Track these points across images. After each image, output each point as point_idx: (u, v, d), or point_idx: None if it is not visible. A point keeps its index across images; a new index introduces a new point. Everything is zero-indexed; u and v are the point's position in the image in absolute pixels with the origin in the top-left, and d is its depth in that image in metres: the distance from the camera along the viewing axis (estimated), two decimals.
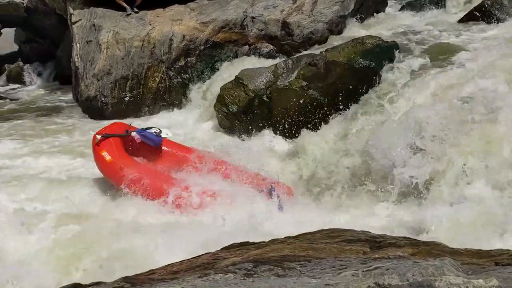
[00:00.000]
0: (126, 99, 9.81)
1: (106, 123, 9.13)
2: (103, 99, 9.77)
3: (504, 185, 5.25)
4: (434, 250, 3.06)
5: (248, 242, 3.76)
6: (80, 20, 10.79)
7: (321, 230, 3.75)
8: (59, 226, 5.37)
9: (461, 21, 10.52)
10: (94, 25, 10.48)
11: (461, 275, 1.57)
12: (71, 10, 11.12)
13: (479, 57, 7.49)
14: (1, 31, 13.85)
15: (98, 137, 6.59)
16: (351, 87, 7.44)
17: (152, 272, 3.23)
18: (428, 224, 4.88)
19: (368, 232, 3.64)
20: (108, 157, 6.34)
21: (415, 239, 3.43)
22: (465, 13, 10.74)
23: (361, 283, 1.84)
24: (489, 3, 10.29)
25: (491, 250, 3.31)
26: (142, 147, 6.67)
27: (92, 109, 9.89)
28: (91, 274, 4.36)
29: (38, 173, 7.25)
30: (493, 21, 9.99)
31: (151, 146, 6.66)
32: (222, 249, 3.77)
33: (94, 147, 6.59)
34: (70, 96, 11.32)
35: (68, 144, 8.50)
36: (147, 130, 6.68)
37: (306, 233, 3.74)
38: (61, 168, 7.41)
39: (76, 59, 10.42)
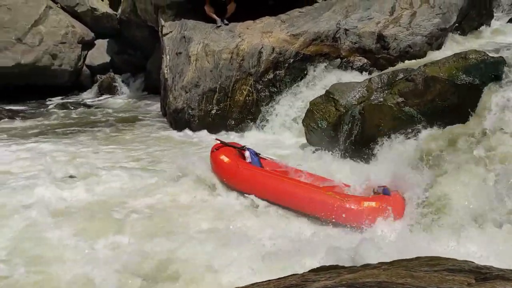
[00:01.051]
0: (213, 112, 10.04)
1: (191, 134, 9.63)
2: (190, 111, 10.05)
3: None
4: None
5: (337, 265, 3.80)
6: (171, 32, 11.20)
7: (419, 258, 3.72)
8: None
9: None
10: (184, 37, 10.83)
11: None
12: (163, 22, 11.58)
13: None
14: (95, 42, 14.72)
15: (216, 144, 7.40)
16: (452, 105, 7.34)
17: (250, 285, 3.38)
18: None
19: (471, 262, 3.58)
20: (226, 159, 7.00)
21: None
22: None
23: None
24: None
25: None
26: None
27: (179, 121, 10.20)
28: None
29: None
30: None
31: None
32: (310, 271, 3.84)
33: (212, 152, 7.28)
34: (158, 107, 11.79)
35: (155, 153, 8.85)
36: (263, 155, 7.37)
37: (402, 260, 3.72)
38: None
39: (165, 71, 10.80)
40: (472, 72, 7.56)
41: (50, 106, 13.22)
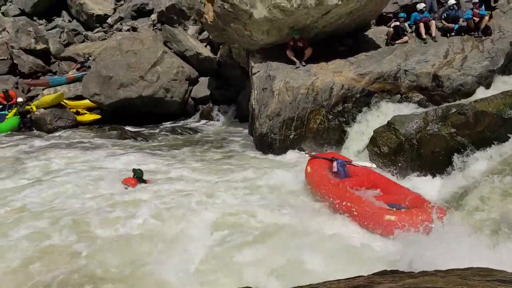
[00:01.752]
0: (291, 136, 10.03)
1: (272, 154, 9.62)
2: (272, 135, 10.08)
3: None
4: None
5: (398, 270, 3.60)
6: (259, 71, 11.31)
7: (471, 268, 3.47)
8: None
9: None
10: (269, 75, 10.91)
11: None
12: (252, 64, 11.73)
13: None
14: (198, 79, 15.17)
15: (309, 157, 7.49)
16: (500, 136, 6.95)
17: (313, 286, 3.25)
18: None
19: None
20: (312, 171, 7.02)
21: None
22: None
23: None
24: None
25: None
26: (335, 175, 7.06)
27: (263, 143, 10.25)
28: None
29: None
30: None
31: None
32: (374, 274, 3.66)
33: (307, 164, 7.28)
34: (246, 132, 11.89)
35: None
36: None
37: (455, 269, 3.48)
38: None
39: (253, 103, 10.89)
40: None
41: (163, 129, 13.67)
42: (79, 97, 15.82)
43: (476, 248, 4.81)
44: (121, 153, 10.35)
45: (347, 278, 3.45)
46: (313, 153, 7.67)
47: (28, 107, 14.55)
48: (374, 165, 7.18)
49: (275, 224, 5.87)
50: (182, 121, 14.65)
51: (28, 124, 14.38)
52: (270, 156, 9.92)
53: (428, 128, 7.62)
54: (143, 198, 6.93)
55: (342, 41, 11.85)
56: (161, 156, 10.08)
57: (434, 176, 7.27)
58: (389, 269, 3.87)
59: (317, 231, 5.62)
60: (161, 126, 14.08)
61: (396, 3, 14.13)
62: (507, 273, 3.35)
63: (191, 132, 12.96)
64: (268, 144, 10.15)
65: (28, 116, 14.43)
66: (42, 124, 14.11)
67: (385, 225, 5.40)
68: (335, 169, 6.99)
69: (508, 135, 6.91)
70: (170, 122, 14.43)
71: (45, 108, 14.73)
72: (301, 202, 6.79)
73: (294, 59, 11.06)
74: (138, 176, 7.72)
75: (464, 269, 3.47)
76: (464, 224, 5.60)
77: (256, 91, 11.04)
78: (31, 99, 16.28)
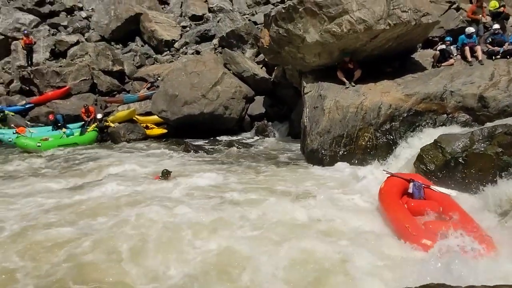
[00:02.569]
0: (340, 153, 9.82)
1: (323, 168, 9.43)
2: (323, 151, 9.93)
3: None
4: None
5: (445, 284, 3.43)
6: (311, 91, 11.26)
7: (508, 286, 3.31)
8: None
9: None
10: (320, 95, 10.83)
11: None
12: (305, 84, 11.70)
13: None
14: (254, 98, 15.24)
15: (388, 175, 6.99)
16: None
17: None
18: None
19: None
20: (384, 189, 6.60)
21: None
22: None
23: None
24: None
25: None
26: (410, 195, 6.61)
27: (314, 158, 10.08)
28: None
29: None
30: None
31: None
32: (420, 286, 3.49)
33: (384, 182, 6.88)
34: (298, 147, 11.70)
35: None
36: (434, 187, 6.60)
37: (503, 285, 3.30)
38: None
39: (305, 120, 10.81)
40: None
41: (221, 143, 13.81)
42: (149, 113, 16.30)
43: None
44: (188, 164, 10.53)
45: None
46: (391, 172, 7.21)
47: (107, 123, 15.10)
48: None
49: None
50: (239, 136, 14.75)
51: (105, 137, 14.91)
52: (320, 169, 9.66)
53: (474, 147, 7.28)
54: None
55: (390, 63, 11.64)
56: (218, 167, 10.12)
57: (481, 191, 6.86)
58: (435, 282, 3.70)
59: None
60: (220, 140, 14.22)
61: (442, 27, 13.79)
62: None
63: (247, 147, 12.99)
64: (318, 159, 9.99)
65: (105, 130, 14.97)
66: (116, 136, 14.62)
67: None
68: (410, 190, 6.54)
69: None
70: (228, 136, 14.56)
71: (119, 123, 15.33)
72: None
73: (344, 79, 10.99)
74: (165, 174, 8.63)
75: (509, 285, 3.27)
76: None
77: (307, 109, 10.97)
78: (107, 114, 16.91)
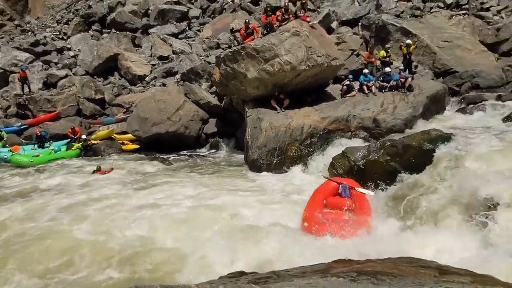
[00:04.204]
0: (274, 162, 9.84)
1: (261, 174, 9.40)
2: (261, 161, 9.89)
3: None
4: (489, 281, 2.59)
5: (350, 259, 3.47)
6: (251, 115, 11.23)
7: (401, 257, 3.37)
8: None
9: (504, 121, 9.37)
10: (258, 117, 10.82)
11: None
12: (247, 109, 11.65)
13: None
14: (209, 120, 14.89)
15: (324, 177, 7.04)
16: (421, 162, 6.89)
17: (287, 270, 3.10)
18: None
19: (435, 262, 3.19)
20: (316, 190, 6.65)
21: (473, 271, 2.92)
22: (505, 116, 9.57)
23: None
24: None
25: None
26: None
27: (254, 166, 10.03)
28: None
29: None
30: None
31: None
32: (333, 261, 3.52)
33: (321, 184, 6.84)
34: (242, 158, 11.59)
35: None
36: (357, 189, 6.53)
37: (390, 258, 3.37)
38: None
39: (247, 137, 10.75)
40: (433, 142, 7.19)
41: (182, 155, 13.47)
42: (124, 132, 15.61)
43: (403, 242, 4.72)
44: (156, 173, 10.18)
45: (313, 265, 3.31)
46: (328, 177, 7.13)
47: (90, 142, 14.37)
48: (372, 193, 6.46)
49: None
50: (197, 150, 14.39)
51: (89, 153, 14.15)
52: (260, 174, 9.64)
53: (370, 156, 7.56)
54: None
55: (310, 94, 11.88)
56: (180, 174, 9.87)
57: (376, 190, 7.08)
58: (344, 258, 3.74)
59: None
60: (182, 153, 13.86)
61: (347, 68, 14.30)
62: (426, 261, 3.24)
63: (203, 157, 12.74)
64: (257, 167, 9.96)
65: (89, 147, 14.23)
66: (98, 151, 13.96)
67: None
68: (339, 191, 6.60)
69: (426, 162, 6.85)
70: (188, 150, 14.19)
71: (100, 140, 14.63)
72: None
73: (276, 106, 11.06)
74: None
75: (395, 258, 3.35)
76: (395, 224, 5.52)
77: (249, 129, 10.95)
78: (90, 133, 16.06)
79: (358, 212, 5.87)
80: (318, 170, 9.08)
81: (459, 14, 20.65)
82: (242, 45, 11.35)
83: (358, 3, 21.50)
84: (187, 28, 23.71)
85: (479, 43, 16.70)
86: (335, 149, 9.20)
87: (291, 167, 9.69)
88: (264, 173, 9.61)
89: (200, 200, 6.86)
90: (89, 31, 24.21)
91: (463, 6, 22.92)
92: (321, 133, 10.04)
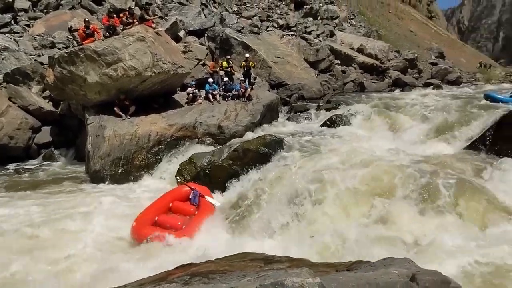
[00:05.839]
0: (119, 171, 9.24)
1: (103, 186, 8.72)
2: (104, 171, 9.16)
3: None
4: (302, 263, 3.06)
5: (192, 263, 3.57)
6: (93, 122, 10.31)
7: (237, 254, 3.65)
8: None
9: (321, 126, 11.15)
10: (101, 125, 10.02)
11: (305, 277, 1.60)
12: (87, 116, 10.66)
13: (330, 145, 7.95)
14: (41, 128, 12.99)
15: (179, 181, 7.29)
16: (258, 164, 7.59)
17: (126, 285, 3.00)
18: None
19: (265, 254, 3.58)
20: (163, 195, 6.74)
21: (292, 257, 3.39)
22: (322, 122, 11.41)
23: (252, 285, 1.82)
24: (334, 117, 11.04)
25: (335, 262, 3.34)
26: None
27: (97, 178, 9.21)
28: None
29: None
30: (335, 125, 10.69)
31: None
32: (175, 268, 3.55)
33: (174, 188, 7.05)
34: (83, 169, 10.41)
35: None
36: (207, 198, 6.72)
37: (227, 256, 3.62)
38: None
39: (88, 146, 9.82)
40: (268, 146, 7.97)
41: (7, 169, 11.34)
42: None
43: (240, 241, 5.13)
44: None
45: (154, 275, 3.28)
46: (184, 182, 7.12)
47: None
48: (219, 204, 6.70)
49: None
50: (26, 163, 12.26)
51: None
52: (103, 186, 8.89)
53: (215, 161, 7.92)
54: None
55: (156, 100, 11.67)
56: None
57: (221, 192, 7.50)
58: (186, 263, 3.81)
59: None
60: (6, 167, 11.63)
61: (193, 76, 14.64)
62: (256, 253, 3.61)
63: (33, 171, 10.96)
64: (100, 178, 9.15)
65: None
66: None
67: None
68: (190, 196, 6.65)
69: (263, 163, 7.60)
70: (16, 164, 11.99)
71: None
72: None
73: (121, 113, 10.43)
74: None
75: (232, 255, 3.62)
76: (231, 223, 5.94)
77: (91, 137, 9.99)
78: None
79: (196, 218, 6.09)
80: (167, 177, 9.02)
81: (289, 35, 23.77)
82: (80, 46, 10.35)
83: (204, 15, 22.36)
84: (12, 22, 20.16)
85: (304, 60, 19.53)
86: (183, 156, 9.27)
87: (138, 176, 9.29)
88: (109, 184, 8.91)
89: (18, 222, 5.91)
90: None
91: (292, 28, 26.54)
92: (169, 140, 9.95)
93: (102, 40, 10.71)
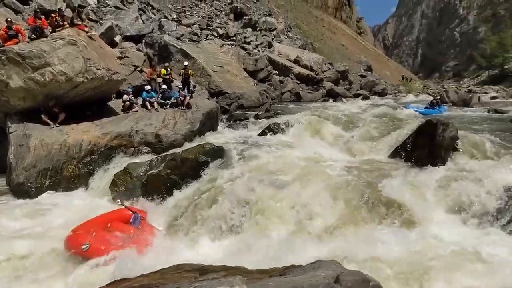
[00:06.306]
0: (46, 184, 8.55)
1: (29, 200, 8.03)
2: (29, 184, 8.42)
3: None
4: (237, 272, 3.12)
5: (126, 278, 3.45)
6: (16, 131, 9.40)
7: (172, 266, 3.60)
8: None
9: (260, 135, 11.39)
10: (25, 134, 9.18)
11: (236, 285, 1.66)
12: (10, 124, 9.70)
13: (267, 153, 8.17)
14: None
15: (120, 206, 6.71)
16: (197, 173, 7.54)
17: None
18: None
19: (201, 264, 3.58)
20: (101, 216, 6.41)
21: (228, 266, 3.43)
22: (260, 130, 11.67)
23: None
24: (272, 125, 11.37)
25: (269, 268, 3.44)
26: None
27: (20, 191, 8.43)
28: None
29: None
30: (273, 133, 11.01)
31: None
32: (107, 284, 3.41)
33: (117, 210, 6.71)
34: (4, 183, 9.38)
35: None
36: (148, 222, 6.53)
37: (162, 268, 3.55)
38: None
39: (11, 157, 8.93)
40: (207, 154, 7.96)
41: None
42: None
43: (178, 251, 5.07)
44: None
45: None
46: (126, 204, 6.67)
47: None
48: (162, 229, 6.43)
49: None
50: None
51: None
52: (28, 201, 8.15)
53: (152, 171, 7.72)
54: None
55: (90, 107, 11.03)
56: None
57: (159, 203, 7.25)
58: (119, 278, 3.66)
59: None
60: None
61: (130, 83, 14.12)
62: (193, 264, 3.60)
63: None
64: (25, 192, 8.39)
65: None
66: None
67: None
68: (131, 219, 6.32)
69: (202, 172, 7.57)
70: None
71: None
72: None
73: (49, 121, 9.64)
74: None
75: (168, 267, 3.56)
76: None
77: (13, 147, 9.10)
78: None
79: (137, 237, 5.87)
80: (100, 189, 8.56)
81: (228, 44, 24.05)
82: (2, 48, 9.47)
83: (142, 21, 21.76)
84: None
85: (243, 70, 19.86)
86: (117, 166, 8.87)
87: (68, 188, 8.68)
88: (34, 199, 8.20)
89: None
90: None
91: (232, 38, 26.87)
92: (103, 149, 9.46)
93: (28, 42, 9.92)
